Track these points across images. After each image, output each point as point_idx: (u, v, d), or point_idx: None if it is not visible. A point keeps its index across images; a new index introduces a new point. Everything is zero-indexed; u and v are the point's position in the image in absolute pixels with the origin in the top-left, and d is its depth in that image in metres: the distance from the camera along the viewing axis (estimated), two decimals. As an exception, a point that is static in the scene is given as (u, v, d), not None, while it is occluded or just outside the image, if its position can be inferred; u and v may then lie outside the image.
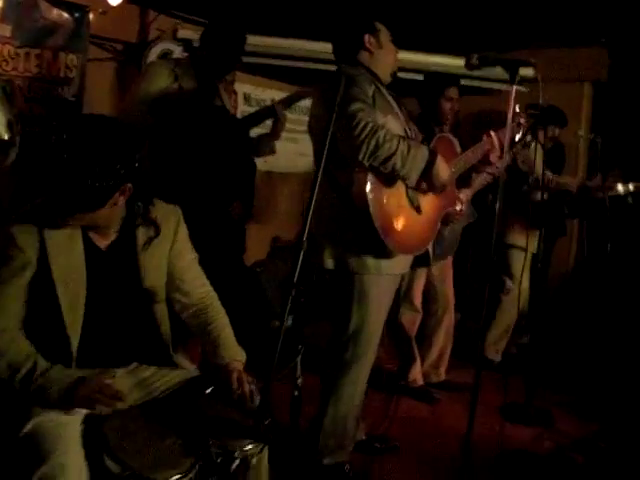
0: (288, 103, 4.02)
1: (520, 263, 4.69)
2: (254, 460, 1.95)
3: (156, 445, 1.78)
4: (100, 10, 4.41)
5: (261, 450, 1.95)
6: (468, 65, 2.68)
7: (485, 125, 3.54)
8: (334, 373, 2.95)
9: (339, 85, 2.21)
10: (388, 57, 3.03)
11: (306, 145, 6.29)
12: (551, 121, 4.86)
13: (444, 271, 4.34)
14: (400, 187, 2.82)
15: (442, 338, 4.40)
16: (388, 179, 2.75)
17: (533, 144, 4.22)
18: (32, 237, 1.87)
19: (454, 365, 4.52)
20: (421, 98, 4.14)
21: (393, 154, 2.63)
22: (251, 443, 1.88)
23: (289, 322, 1.99)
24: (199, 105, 3.56)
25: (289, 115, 4.25)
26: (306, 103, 6.06)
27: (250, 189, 4.37)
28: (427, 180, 2.79)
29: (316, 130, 3.01)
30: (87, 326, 1.94)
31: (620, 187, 4.26)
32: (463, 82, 4.35)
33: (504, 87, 5.36)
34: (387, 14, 3.25)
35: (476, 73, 4.36)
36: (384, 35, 3.02)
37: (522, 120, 3.50)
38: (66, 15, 4.22)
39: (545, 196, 4.25)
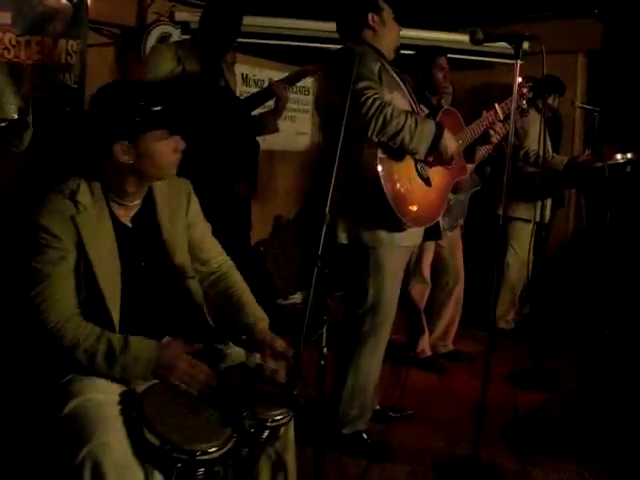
0: (291, 81, 4.06)
1: (521, 235, 4.80)
2: (282, 430, 2.02)
3: (193, 418, 1.83)
4: (99, -6, 4.43)
5: (289, 420, 2.02)
6: (473, 40, 2.75)
7: (485, 99, 3.59)
8: (352, 345, 3.04)
9: (352, 64, 2.25)
10: (391, 34, 3.08)
11: (304, 124, 6.35)
12: (550, 90, 4.92)
13: (453, 243, 4.42)
14: (409, 160, 2.89)
15: (451, 309, 4.49)
16: (397, 153, 2.82)
17: (534, 113, 4.28)
18: (66, 224, 1.91)
19: (461, 335, 4.62)
20: (413, 72, 4.18)
21: (401, 129, 2.70)
22: (281, 412, 1.94)
23: (296, 299, 2.05)
24: (203, 86, 3.61)
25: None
26: (304, 83, 6.14)
27: (254, 168, 4.43)
28: (435, 153, 2.87)
29: (324, 107, 3.06)
30: (125, 300, 1.99)
31: (619, 156, 4.32)
32: (459, 56, 4.40)
33: (501, 61, 5.39)
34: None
35: (472, 48, 4.40)
36: (387, 13, 3.06)
37: (525, 90, 3.57)
38: (64, 1, 4.22)
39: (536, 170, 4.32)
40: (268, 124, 4.07)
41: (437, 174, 3.03)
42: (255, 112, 4.09)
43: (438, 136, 2.82)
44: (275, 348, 2.09)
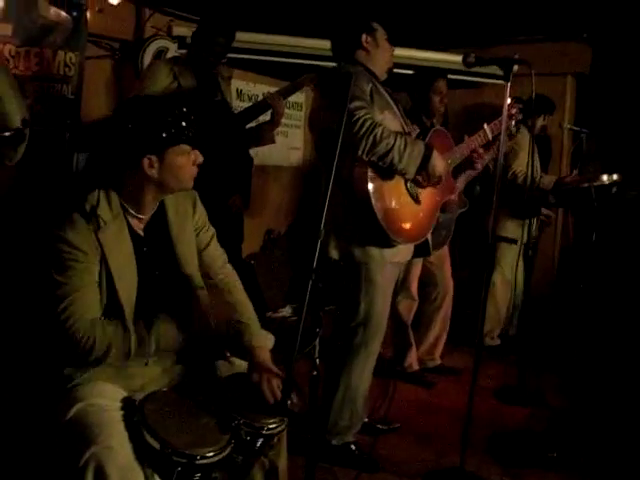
0: (286, 93, 4.14)
1: (508, 254, 4.89)
2: (276, 439, 2.08)
3: (193, 424, 1.90)
4: (97, 8, 4.49)
5: (283, 429, 2.08)
6: (465, 63, 2.84)
7: (476, 118, 3.68)
8: (344, 357, 3.11)
9: (348, 84, 2.33)
10: (384, 55, 3.17)
11: (297, 139, 6.42)
12: (540, 109, 5.03)
13: (441, 258, 4.49)
14: (399, 179, 2.97)
15: (439, 324, 4.55)
16: (387, 172, 2.91)
17: (524, 132, 4.37)
18: (89, 238, 1.98)
19: (449, 350, 4.69)
20: (412, 92, 4.27)
21: (391, 149, 2.79)
22: (276, 421, 2.01)
23: (285, 312, 2.12)
24: (198, 101, 3.67)
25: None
26: (297, 98, 6.22)
27: (247, 183, 4.48)
28: (424, 173, 2.95)
29: (317, 126, 3.13)
30: (139, 308, 2.06)
31: (605, 177, 4.41)
32: (451, 76, 4.49)
33: (490, 81, 5.50)
34: (379, 12, 3.38)
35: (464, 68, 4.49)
36: (380, 34, 3.15)
37: (514, 111, 3.67)
38: (64, 14, 4.28)
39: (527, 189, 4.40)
40: (265, 135, 4.15)
41: (426, 193, 3.11)
42: (252, 124, 4.17)
43: (427, 157, 2.90)
44: (267, 378, 2.12)
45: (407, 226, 2.99)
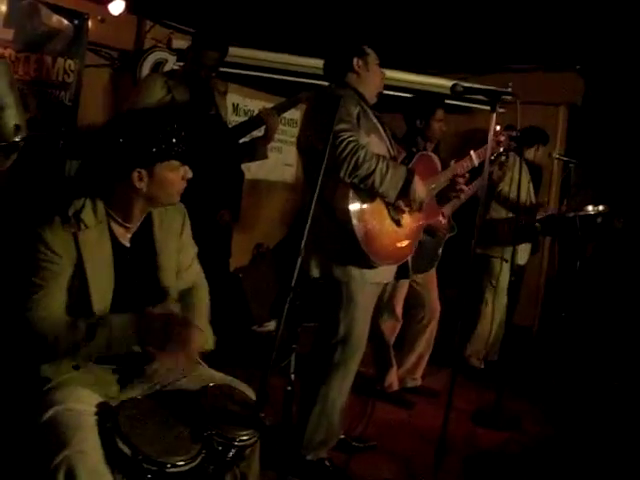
0: (280, 110, 4.20)
1: (499, 272, 4.95)
2: (248, 451, 2.12)
3: (166, 433, 1.93)
4: (99, 18, 4.55)
5: (255, 441, 2.12)
6: (454, 92, 2.89)
7: (468, 144, 3.74)
8: (322, 373, 3.13)
9: (335, 108, 2.38)
10: (375, 79, 3.23)
11: (290, 155, 6.48)
12: (535, 140, 5.11)
13: (429, 280, 4.52)
14: (381, 202, 3.02)
15: (423, 345, 4.57)
16: (369, 194, 2.95)
17: (516, 164, 4.44)
18: (67, 241, 2.02)
19: (430, 371, 4.71)
20: (409, 116, 4.32)
21: (372, 173, 2.84)
22: (248, 433, 2.04)
23: (271, 326, 2.16)
24: (191, 115, 3.73)
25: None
26: (292, 115, 6.28)
27: (237, 197, 4.53)
28: (405, 198, 3.00)
29: (304, 147, 3.20)
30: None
31: (590, 207, 4.48)
32: (446, 101, 4.56)
33: (483, 107, 5.57)
34: (378, 35, 3.45)
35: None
36: (372, 58, 3.21)
37: (502, 138, 3.72)
38: (66, 22, 4.34)
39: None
40: (258, 150, 4.21)
41: (409, 216, 3.15)
42: (246, 139, 4.23)
43: (408, 182, 2.94)
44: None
45: (387, 248, 3.03)
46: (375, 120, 3.16)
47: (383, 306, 4.25)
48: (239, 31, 5.03)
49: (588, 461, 3.62)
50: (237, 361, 2.34)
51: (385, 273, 3.14)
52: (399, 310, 4.42)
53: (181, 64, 4.77)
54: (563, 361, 4.88)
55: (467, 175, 3.46)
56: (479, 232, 3.07)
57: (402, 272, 3.26)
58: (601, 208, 4.53)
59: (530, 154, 5.18)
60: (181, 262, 2.36)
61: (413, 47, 5.48)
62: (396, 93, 5.34)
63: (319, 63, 3.33)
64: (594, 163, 5.60)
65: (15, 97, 3.09)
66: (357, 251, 2.92)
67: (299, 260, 2.08)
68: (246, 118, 5.52)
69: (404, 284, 4.34)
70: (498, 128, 3.76)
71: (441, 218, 4.27)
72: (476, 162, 3.44)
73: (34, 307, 1.99)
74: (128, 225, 2.19)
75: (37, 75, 4.24)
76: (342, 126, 2.81)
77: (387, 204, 3.03)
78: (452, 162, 3.45)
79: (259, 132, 4.27)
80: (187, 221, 2.38)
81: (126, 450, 1.81)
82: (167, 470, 1.81)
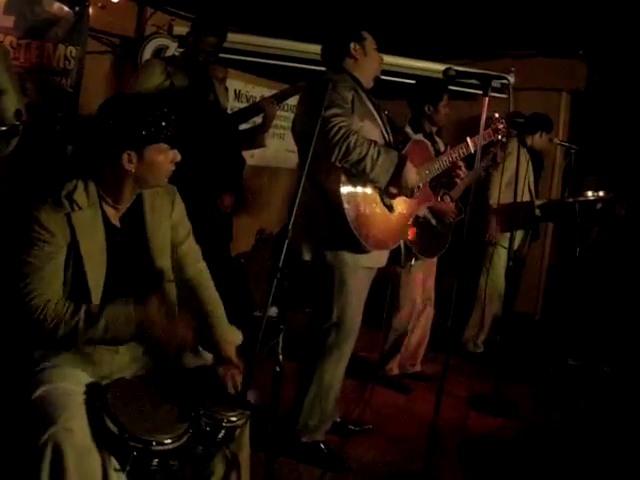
0: (280, 98, 4.23)
1: (495, 258, 4.96)
2: (237, 432, 2.15)
3: (153, 412, 1.97)
4: (100, 4, 4.58)
5: (245, 422, 2.15)
6: (446, 76, 2.90)
7: (470, 130, 3.74)
8: (316, 357, 3.16)
9: (324, 92, 2.40)
10: (372, 65, 3.23)
11: (293, 142, 6.47)
12: (537, 127, 5.09)
13: (429, 267, 4.53)
14: (373, 187, 3.04)
15: (420, 330, 4.59)
16: (361, 179, 2.97)
17: (517, 151, 4.44)
18: (61, 221, 2.05)
19: (430, 357, 4.73)
20: (416, 101, 4.32)
21: (363, 158, 2.86)
22: (237, 414, 2.07)
23: (274, 312, 2.18)
24: (190, 101, 3.75)
25: (277, 112, 4.44)
26: (294, 102, 6.27)
27: (238, 182, 4.56)
28: (396, 184, 3.01)
29: (298, 131, 3.22)
30: (106, 296, 2.12)
31: (589, 193, 4.47)
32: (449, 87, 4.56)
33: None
34: (376, 22, 3.45)
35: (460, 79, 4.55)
36: (369, 43, 3.21)
37: (500, 126, 3.72)
38: (67, 9, 4.36)
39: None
40: (256, 138, 4.24)
41: (401, 201, 3.17)
42: (244, 127, 4.25)
43: (399, 168, 2.95)
44: (232, 372, 2.21)
45: (378, 233, 3.04)
46: (370, 105, 3.16)
47: (401, 295, 4.29)
48: (240, 17, 5.04)
49: (583, 448, 3.64)
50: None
51: (377, 258, 3.16)
52: (416, 296, 4.42)
53: (182, 50, 4.80)
54: (563, 348, 4.88)
55: (460, 163, 3.46)
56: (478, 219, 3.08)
57: (395, 259, 3.28)
58: (601, 194, 4.51)
59: (532, 141, 5.17)
60: (175, 237, 2.38)
61: (414, 33, 5.48)
62: (397, 79, 5.35)
63: (320, 49, 3.33)
64: (598, 150, 5.58)
65: (14, 82, 3.13)
66: (348, 235, 2.94)
67: (286, 242, 2.11)
68: (248, 104, 5.55)
69: (419, 271, 4.36)
70: (497, 115, 3.78)
71: (449, 202, 4.29)
72: (472, 149, 3.44)
73: (32, 289, 2.01)
74: (119, 206, 2.22)
75: (38, 62, 4.28)
76: (334, 111, 2.83)
77: (379, 189, 3.05)
78: (448, 147, 3.46)
79: (260, 119, 4.30)
80: (178, 200, 2.40)
81: (113, 428, 1.85)
82: (152, 448, 1.85)
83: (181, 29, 5.06)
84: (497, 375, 4.15)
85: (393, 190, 3.04)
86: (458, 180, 3.49)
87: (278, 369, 2.15)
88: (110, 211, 2.21)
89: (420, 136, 3.92)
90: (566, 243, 4.81)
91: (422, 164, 3.22)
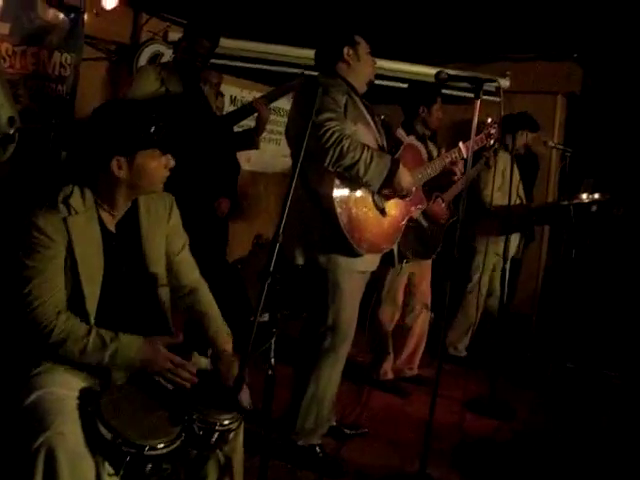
0: (271, 98, 4.24)
1: (486, 266, 4.96)
2: (231, 435, 2.14)
3: (146, 416, 1.97)
4: (95, 11, 4.59)
5: (238, 426, 2.15)
6: (438, 79, 2.91)
7: (463, 134, 3.77)
8: (312, 360, 3.17)
9: (315, 97, 2.41)
10: (365, 69, 3.24)
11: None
12: (519, 126, 5.05)
13: (423, 270, 4.55)
14: (366, 191, 3.05)
15: (417, 334, 4.59)
16: (354, 183, 2.98)
17: (502, 153, 4.45)
18: (58, 226, 2.06)
19: (427, 361, 4.73)
20: (410, 103, 4.34)
21: (356, 162, 2.87)
22: (230, 418, 2.07)
23: (265, 318, 2.18)
24: (184, 106, 3.76)
25: (272, 117, 4.45)
26: (288, 105, 6.29)
27: (233, 187, 4.57)
28: (389, 187, 3.02)
29: (291, 135, 3.23)
30: (102, 301, 2.13)
31: (584, 196, 4.48)
32: (443, 91, 4.58)
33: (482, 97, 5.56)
34: (372, 26, 3.46)
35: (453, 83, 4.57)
36: (363, 48, 3.22)
37: (493, 131, 3.74)
38: (62, 16, 4.37)
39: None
40: (250, 140, 4.25)
41: (393, 204, 3.18)
42: (238, 128, 4.26)
43: (392, 171, 2.97)
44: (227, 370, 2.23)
45: (370, 236, 3.05)
46: (363, 109, 3.17)
47: (384, 295, 4.29)
48: (235, 23, 5.05)
49: (580, 451, 3.64)
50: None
51: (370, 261, 3.17)
52: (399, 298, 4.43)
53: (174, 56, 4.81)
54: (561, 351, 4.88)
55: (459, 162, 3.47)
56: (468, 223, 3.09)
57: (388, 260, 3.29)
58: (597, 196, 4.51)
59: (515, 141, 5.09)
60: (170, 247, 2.39)
61: (410, 36, 5.49)
62: (394, 84, 5.36)
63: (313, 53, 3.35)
64: (594, 152, 5.60)
65: (5, 90, 3.13)
66: (340, 239, 2.95)
67: (277, 246, 2.11)
68: (241, 107, 5.57)
69: (405, 273, 4.36)
70: (490, 120, 3.79)
71: (441, 204, 4.30)
72: (465, 154, 3.44)
73: (37, 295, 2.02)
74: (114, 212, 2.23)
75: (34, 69, 4.27)
76: (327, 115, 2.84)
77: (372, 193, 3.06)
78: (442, 151, 3.47)
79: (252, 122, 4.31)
80: (175, 208, 2.41)
81: (106, 434, 1.85)
82: (145, 453, 1.85)
83: (176, 35, 5.05)
84: (493, 378, 4.15)
85: (386, 194, 3.05)
86: (455, 178, 3.50)
87: (270, 372, 2.15)
88: (106, 217, 2.21)
89: (412, 139, 3.95)
90: (562, 245, 4.81)
91: (415, 168, 3.23)
